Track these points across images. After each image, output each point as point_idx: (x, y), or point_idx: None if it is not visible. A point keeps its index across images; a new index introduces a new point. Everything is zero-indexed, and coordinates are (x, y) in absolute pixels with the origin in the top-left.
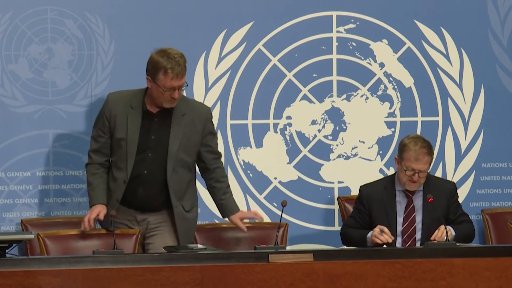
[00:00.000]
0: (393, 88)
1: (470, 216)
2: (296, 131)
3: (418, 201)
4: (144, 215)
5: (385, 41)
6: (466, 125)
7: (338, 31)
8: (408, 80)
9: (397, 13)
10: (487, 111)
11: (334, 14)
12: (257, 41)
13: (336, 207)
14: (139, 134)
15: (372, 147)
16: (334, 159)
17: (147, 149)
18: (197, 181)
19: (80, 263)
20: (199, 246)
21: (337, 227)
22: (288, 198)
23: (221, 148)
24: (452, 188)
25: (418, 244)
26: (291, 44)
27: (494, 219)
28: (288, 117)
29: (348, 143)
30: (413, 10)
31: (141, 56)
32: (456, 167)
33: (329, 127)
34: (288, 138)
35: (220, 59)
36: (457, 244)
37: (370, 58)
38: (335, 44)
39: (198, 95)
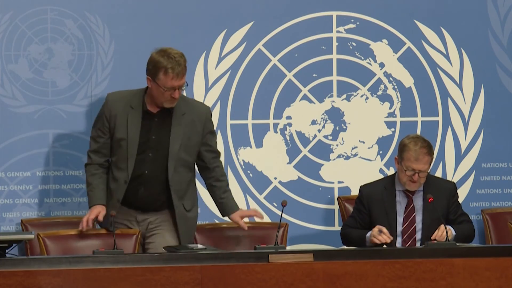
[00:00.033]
0: (393, 88)
1: (470, 216)
2: (296, 131)
3: (418, 201)
4: (144, 215)
5: (385, 41)
6: (466, 125)
7: (338, 31)
8: (408, 80)
9: (397, 13)
10: (487, 111)
11: (334, 14)
12: (257, 41)
13: (336, 207)
14: (140, 134)
15: (372, 147)
16: (334, 159)
17: (148, 149)
18: (196, 180)
19: (80, 263)
20: (199, 246)
21: (337, 227)
22: (288, 198)
23: (221, 148)
24: (452, 188)
25: (418, 244)
26: (291, 44)
27: (494, 219)
28: (288, 117)
29: (348, 143)
30: (413, 10)
31: (141, 56)
32: (456, 167)
33: (329, 127)
34: (288, 138)
35: (220, 59)
36: (457, 244)
37: (370, 58)
38: (335, 44)
39: (198, 95)
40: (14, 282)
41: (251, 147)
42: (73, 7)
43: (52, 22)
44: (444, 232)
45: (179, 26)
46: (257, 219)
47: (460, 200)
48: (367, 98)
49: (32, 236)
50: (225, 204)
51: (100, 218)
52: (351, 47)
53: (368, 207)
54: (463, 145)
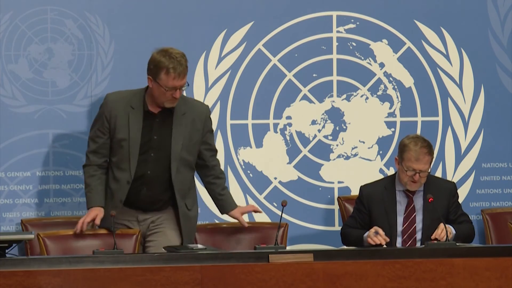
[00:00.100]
0: (393, 88)
1: (470, 216)
2: (296, 131)
3: (418, 201)
4: (146, 214)
5: (385, 41)
6: (466, 125)
7: (338, 31)
8: (408, 80)
9: (397, 13)
10: (487, 111)
11: (334, 14)
12: (257, 41)
13: (336, 207)
14: (141, 134)
15: (372, 147)
16: (334, 159)
17: (150, 149)
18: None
19: (80, 263)
20: (199, 246)
21: (337, 227)
22: (288, 198)
23: (221, 148)
24: (452, 188)
25: (418, 244)
26: (291, 44)
27: (494, 219)
28: (288, 117)
29: (348, 143)
30: (413, 10)
31: (141, 56)
32: (456, 167)
33: (329, 127)
34: (288, 138)
35: (220, 59)
36: (457, 244)
37: (370, 58)
38: (335, 44)
39: (198, 95)
40: (14, 282)
41: (251, 147)
42: (73, 7)
43: (52, 22)
44: (444, 231)
45: (179, 26)
46: (256, 216)
47: (460, 200)
48: (367, 98)
49: (32, 236)
50: (225, 201)
51: (97, 221)
52: (351, 47)
53: (368, 207)
54: (463, 145)
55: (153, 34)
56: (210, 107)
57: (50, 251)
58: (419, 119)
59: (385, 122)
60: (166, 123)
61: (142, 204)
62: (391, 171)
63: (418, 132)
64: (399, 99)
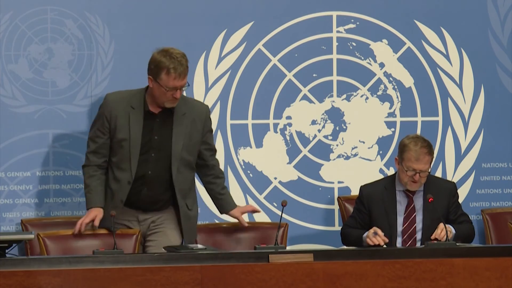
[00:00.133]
0: (393, 88)
1: (470, 216)
2: (296, 131)
3: (418, 201)
4: (146, 214)
5: (385, 41)
6: (466, 125)
7: (338, 31)
8: (408, 80)
9: (397, 13)
10: (487, 111)
11: (334, 14)
12: (257, 41)
13: (336, 207)
14: (142, 134)
15: (372, 147)
16: (334, 159)
17: (150, 149)
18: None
19: (80, 263)
20: (199, 246)
21: (337, 227)
22: (288, 198)
23: (221, 148)
24: (452, 188)
25: (418, 244)
26: (291, 44)
27: (494, 219)
28: (288, 117)
29: (348, 143)
30: (413, 10)
31: (141, 56)
32: (456, 167)
33: (329, 127)
34: (288, 138)
35: (220, 59)
36: (457, 244)
37: (370, 58)
38: (335, 44)
39: (198, 95)
40: (14, 282)
41: (251, 147)
42: (73, 7)
43: (52, 22)
44: (443, 231)
45: (179, 26)
46: (256, 216)
47: (460, 200)
48: (367, 98)
49: (32, 236)
50: (224, 200)
51: (96, 223)
52: (351, 47)
53: (368, 207)
54: (463, 145)
55: (153, 34)
56: (210, 107)
57: (50, 251)
58: (419, 119)
59: (385, 122)
60: (167, 123)
61: (143, 204)
62: (391, 171)
63: (418, 132)
64: (399, 99)
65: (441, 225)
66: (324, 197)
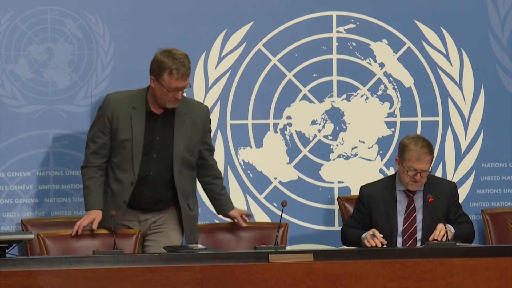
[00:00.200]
0: (393, 88)
1: (470, 216)
2: (296, 131)
3: (418, 201)
4: (147, 215)
5: (385, 41)
6: (466, 125)
7: (338, 31)
8: (408, 80)
9: (397, 13)
10: (487, 111)
11: (334, 14)
12: (257, 41)
13: (336, 207)
14: (144, 135)
15: (372, 147)
16: (334, 159)
17: (152, 150)
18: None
19: (80, 263)
20: (199, 246)
21: (337, 227)
22: (288, 198)
23: (221, 148)
24: (452, 188)
25: (418, 244)
26: (291, 44)
27: (494, 219)
28: (288, 117)
29: (348, 143)
30: (413, 10)
31: (141, 56)
32: (456, 167)
33: (329, 127)
34: (288, 138)
35: (220, 59)
36: (457, 244)
37: (370, 58)
38: (335, 44)
39: (198, 95)
40: (14, 282)
41: (251, 147)
42: (73, 7)
43: (52, 22)
44: (441, 232)
45: (179, 26)
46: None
47: (460, 200)
48: (367, 98)
49: (32, 236)
50: (223, 201)
51: (95, 226)
52: (351, 47)
53: (368, 207)
54: (463, 145)
55: (153, 34)
56: (210, 107)
57: (50, 251)
58: (419, 119)
59: (385, 122)
60: (168, 123)
61: (144, 204)
62: (391, 171)
63: (418, 132)
64: (399, 99)
65: (439, 226)
66: (324, 197)
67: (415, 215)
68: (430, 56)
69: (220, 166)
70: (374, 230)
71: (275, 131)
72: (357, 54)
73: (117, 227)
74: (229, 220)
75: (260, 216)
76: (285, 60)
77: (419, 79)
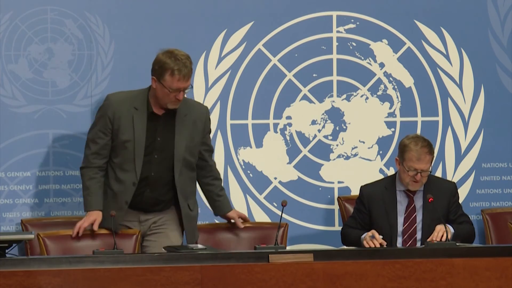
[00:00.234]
0: (393, 88)
1: (470, 216)
2: (296, 131)
3: (418, 201)
4: (147, 215)
5: (385, 41)
6: (466, 125)
7: (338, 31)
8: (408, 80)
9: (397, 13)
10: (487, 111)
11: (334, 14)
12: (257, 41)
13: (336, 207)
14: (146, 136)
15: (372, 147)
16: (334, 159)
17: (154, 151)
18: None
19: (80, 263)
20: (199, 246)
21: (337, 227)
22: (288, 198)
23: (221, 148)
24: (452, 188)
25: (418, 244)
26: (291, 44)
27: (494, 219)
28: (288, 117)
29: (348, 143)
30: (413, 10)
31: (141, 56)
32: (456, 167)
33: (329, 127)
34: (288, 138)
35: (220, 59)
36: (457, 244)
37: (370, 58)
38: (335, 44)
39: (198, 95)
40: (14, 282)
41: (251, 147)
42: (73, 7)
43: (52, 22)
44: (440, 233)
45: (179, 26)
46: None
47: (460, 200)
48: (367, 98)
49: (32, 236)
50: (222, 202)
51: (95, 227)
52: (351, 47)
53: (368, 207)
54: (463, 145)
55: (153, 34)
56: (210, 107)
57: (50, 251)
58: (419, 119)
59: (385, 122)
60: (169, 124)
61: (145, 205)
62: (391, 171)
63: (418, 132)
64: (399, 99)
65: (438, 227)
66: (324, 197)
67: (415, 215)
68: (430, 56)
69: (220, 166)
70: (373, 231)
71: (275, 131)
72: (357, 54)
73: (118, 227)
74: (226, 221)
75: (260, 216)
76: (285, 60)
77: (419, 79)
